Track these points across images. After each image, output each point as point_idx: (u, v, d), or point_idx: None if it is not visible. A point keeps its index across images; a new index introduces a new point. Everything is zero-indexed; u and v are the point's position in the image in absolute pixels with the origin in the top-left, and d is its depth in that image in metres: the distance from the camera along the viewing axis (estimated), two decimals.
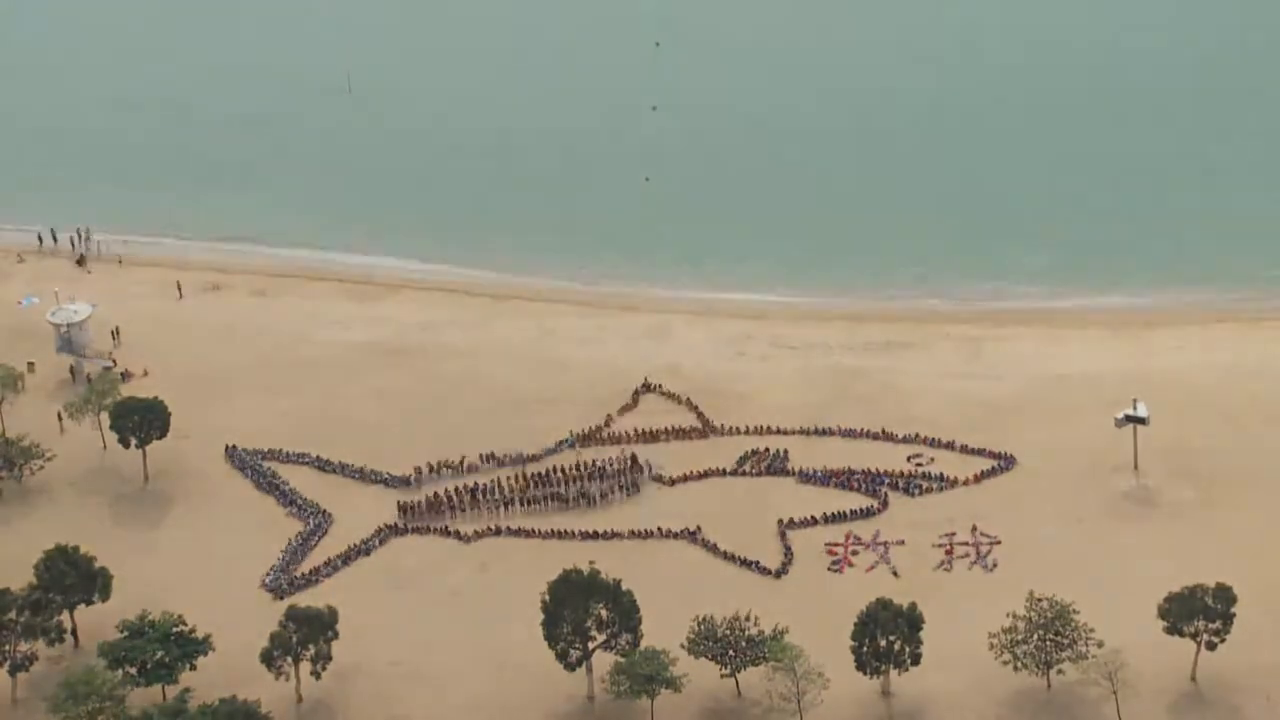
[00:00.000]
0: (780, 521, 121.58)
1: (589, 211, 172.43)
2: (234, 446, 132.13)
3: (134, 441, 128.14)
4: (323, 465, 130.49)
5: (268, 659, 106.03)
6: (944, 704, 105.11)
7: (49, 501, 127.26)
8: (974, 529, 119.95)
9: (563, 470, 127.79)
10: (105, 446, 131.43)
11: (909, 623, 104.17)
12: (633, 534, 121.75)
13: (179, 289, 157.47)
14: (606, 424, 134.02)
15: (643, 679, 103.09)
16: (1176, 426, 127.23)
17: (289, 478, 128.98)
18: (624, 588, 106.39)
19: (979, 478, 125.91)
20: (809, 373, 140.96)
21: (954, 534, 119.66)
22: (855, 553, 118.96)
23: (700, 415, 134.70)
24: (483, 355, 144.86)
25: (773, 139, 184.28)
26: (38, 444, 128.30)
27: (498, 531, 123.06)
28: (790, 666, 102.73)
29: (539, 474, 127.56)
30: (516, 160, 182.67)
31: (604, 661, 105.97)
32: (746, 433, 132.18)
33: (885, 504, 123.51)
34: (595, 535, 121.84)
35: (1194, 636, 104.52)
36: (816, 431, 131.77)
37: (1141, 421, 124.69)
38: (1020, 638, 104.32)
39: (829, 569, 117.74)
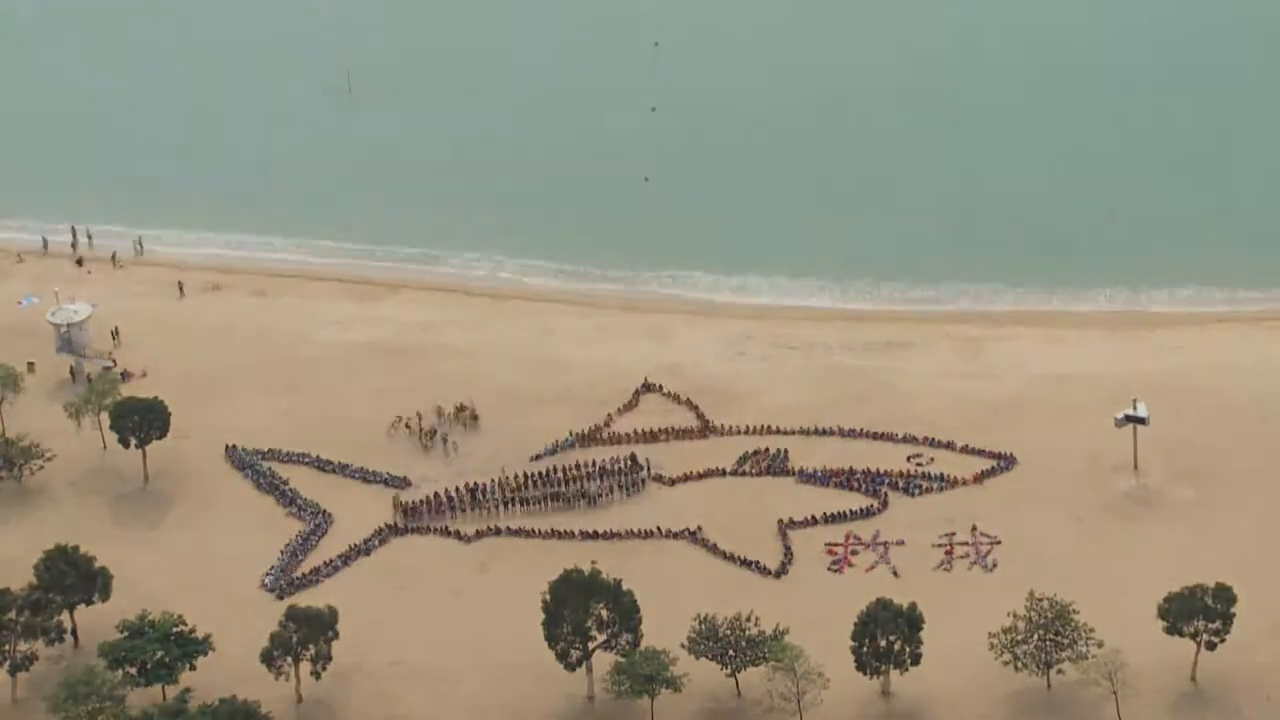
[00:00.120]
0: (780, 521, 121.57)
1: (589, 211, 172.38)
2: (234, 446, 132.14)
3: (134, 441, 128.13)
4: (323, 465, 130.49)
5: (268, 659, 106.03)
6: (944, 704, 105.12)
7: (49, 501, 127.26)
8: (974, 529, 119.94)
9: (563, 470, 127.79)
10: (105, 446, 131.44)
11: (909, 623, 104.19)
12: (633, 534, 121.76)
13: (180, 289, 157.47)
14: (606, 424, 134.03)
15: (643, 679, 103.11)
16: (1176, 426, 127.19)
17: (289, 478, 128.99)
18: (624, 588, 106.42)
19: (979, 478, 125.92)
20: (809, 373, 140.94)
21: (954, 534, 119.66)
22: (855, 553, 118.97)
23: (700, 415, 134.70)
24: (483, 355, 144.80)
25: (773, 139, 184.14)
26: (37, 444, 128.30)
27: (498, 531, 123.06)
28: (790, 666, 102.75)
29: (539, 473, 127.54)
30: (516, 160, 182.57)
31: (604, 661, 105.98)
32: (746, 433, 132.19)
33: (885, 504, 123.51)
34: (595, 535, 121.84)
35: (1194, 636, 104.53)
36: (816, 431, 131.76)
37: (1141, 421, 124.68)
38: (1020, 638, 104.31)
39: (829, 569, 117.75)
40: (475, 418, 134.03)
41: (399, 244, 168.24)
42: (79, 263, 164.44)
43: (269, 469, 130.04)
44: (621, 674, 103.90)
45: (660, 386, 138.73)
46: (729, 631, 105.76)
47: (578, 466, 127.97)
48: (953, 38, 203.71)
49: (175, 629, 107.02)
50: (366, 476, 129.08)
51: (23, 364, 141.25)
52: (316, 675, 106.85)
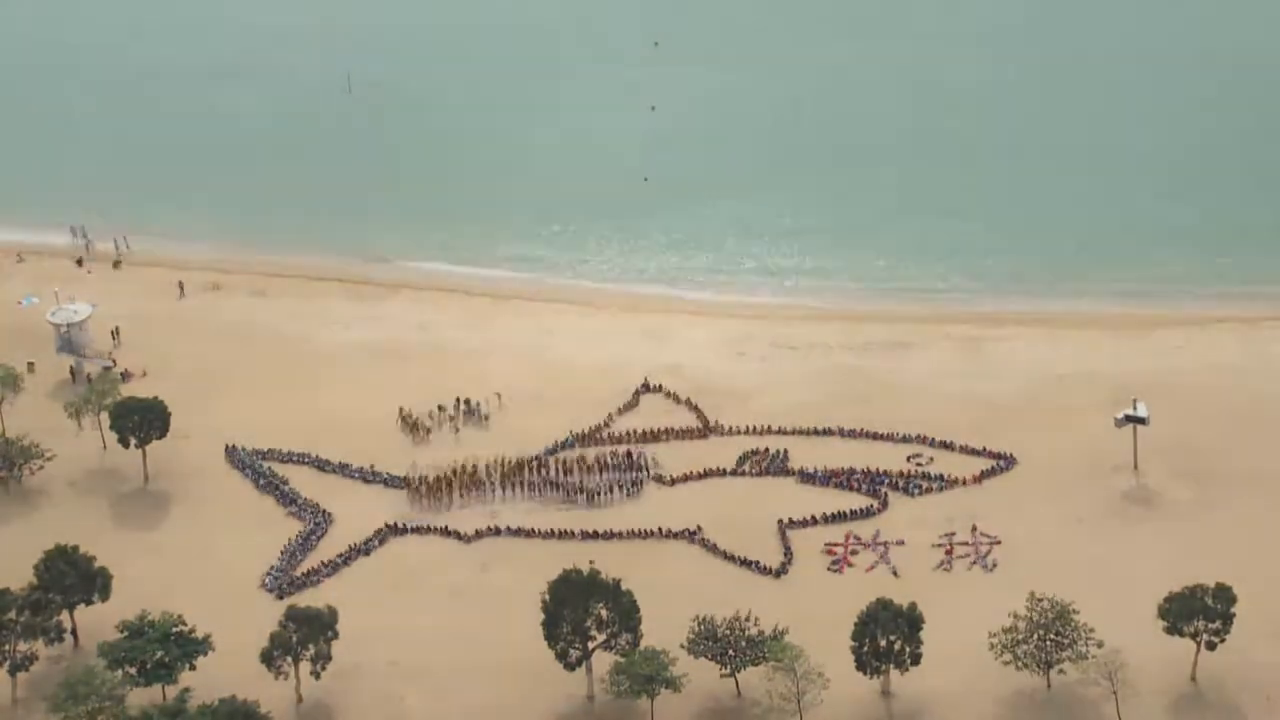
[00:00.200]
0: (780, 521, 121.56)
1: (588, 211, 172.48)
2: (234, 446, 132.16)
3: (134, 441, 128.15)
4: (322, 465, 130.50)
5: (268, 659, 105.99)
6: (944, 704, 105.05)
7: (49, 501, 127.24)
8: (974, 529, 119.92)
9: (563, 461, 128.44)
10: (105, 446, 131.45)
11: (909, 623, 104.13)
12: (633, 534, 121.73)
13: (180, 288, 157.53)
14: (606, 424, 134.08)
15: (643, 679, 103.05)
16: (1176, 426, 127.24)
17: (289, 478, 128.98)
18: (624, 588, 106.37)
19: (979, 478, 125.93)
20: (809, 373, 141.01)
21: (954, 534, 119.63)
22: (855, 553, 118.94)
23: (700, 415, 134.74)
24: (483, 355, 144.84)
25: (773, 139, 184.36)
26: (37, 444, 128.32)
27: (498, 531, 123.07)
28: (790, 666, 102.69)
29: (537, 458, 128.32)
30: (516, 160, 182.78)
31: (604, 661, 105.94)
32: (746, 433, 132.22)
33: (885, 504, 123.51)
34: (595, 535, 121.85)
35: (1194, 636, 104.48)
36: (816, 431, 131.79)
37: (1141, 421, 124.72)
38: (1020, 638, 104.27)
39: (829, 569, 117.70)
40: (486, 417, 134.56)
41: (399, 244, 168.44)
42: (79, 262, 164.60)
43: (269, 469, 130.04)
44: (621, 674, 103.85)
45: (660, 387, 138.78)
46: (729, 631, 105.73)
47: (580, 460, 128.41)
48: (954, 37, 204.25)
49: (175, 629, 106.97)
50: (366, 476, 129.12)
51: (23, 364, 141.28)
52: (316, 675, 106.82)
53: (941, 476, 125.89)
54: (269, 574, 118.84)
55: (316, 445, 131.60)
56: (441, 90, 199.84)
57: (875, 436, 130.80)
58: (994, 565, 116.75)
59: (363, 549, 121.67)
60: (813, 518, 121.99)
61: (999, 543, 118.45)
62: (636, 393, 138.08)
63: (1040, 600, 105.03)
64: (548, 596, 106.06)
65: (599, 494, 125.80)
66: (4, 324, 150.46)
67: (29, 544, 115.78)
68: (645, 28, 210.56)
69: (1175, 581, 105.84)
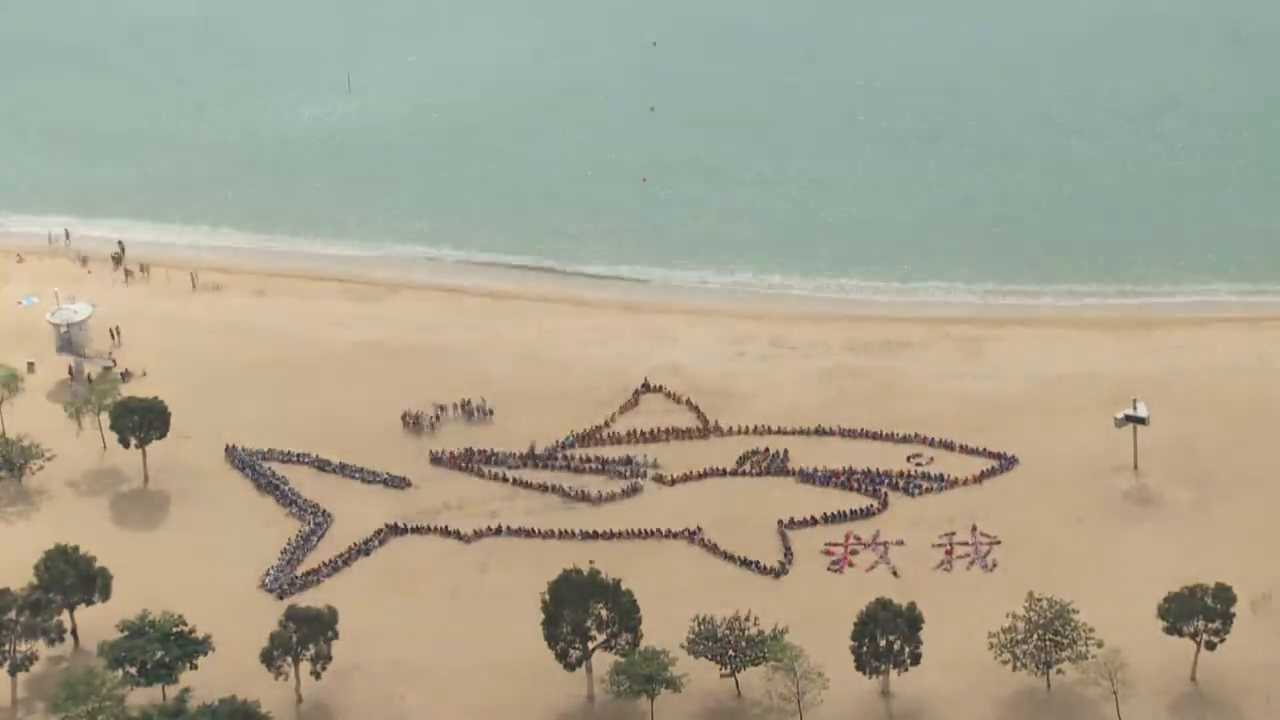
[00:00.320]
0: (780, 521, 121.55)
1: (589, 211, 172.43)
2: (234, 446, 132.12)
3: (134, 441, 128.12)
4: (323, 465, 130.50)
5: (268, 659, 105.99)
6: (944, 704, 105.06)
7: (49, 501, 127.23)
8: (974, 529, 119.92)
9: (566, 457, 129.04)
10: (105, 446, 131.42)
11: (909, 623, 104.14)
12: (633, 534, 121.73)
13: (193, 280, 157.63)
14: (606, 424, 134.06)
15: (643, 679, 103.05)
16: (1176, 426, 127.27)
17: (289, 478, 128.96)
18: (624, 588, 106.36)
19: (979, 477, 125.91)
20: (809, 373, 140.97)
21: (954, 534, 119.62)
22: (855, 553, 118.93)
23: (700, 415, 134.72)
24: (483, 355, 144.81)
25: (772, 139, 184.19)
26: (37, 444, 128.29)
27: (498, 531, 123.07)
28: (790, 666, 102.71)
29: (545, 450, 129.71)
30: (516, 160, 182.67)
31: (604, 661, 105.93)
32: (746, 433, 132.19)
33: (885, 504, 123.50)
34: (595, 535, 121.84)
35: (1194, 636, 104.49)
36: (816, 431, 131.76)
37: (1141, 421, 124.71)
38: (1020, 638, 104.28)
39: (829, 569, 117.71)
40: (491, 412, 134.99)
41: (399, 244, 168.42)
42: (82, 262, 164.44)
43: (269, 469, 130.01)
44: (621, 674, 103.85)
45: (660, 386, 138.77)
46: (728, 631, 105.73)
47: (583, 458, 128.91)
48: (954, 37, 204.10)
49: (175, 629, 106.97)
50: (366, 476, 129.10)
51: (23, 364, 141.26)
52: (316, 675, 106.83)
53: (941, 476, 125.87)
54: (269, 574, 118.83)
55: (316, 445, 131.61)
56: (440, 90, 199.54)
57: (875, 436, 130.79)
58: (994, 565, 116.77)
59: (363, 549, 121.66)
60: (813, 518, 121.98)
61: (999, 543, 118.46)
62: (636, 393, 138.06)
63: (1039, 600, 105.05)
64: (548, 596, 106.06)
65: (598, 494, 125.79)
66: (4, 324, 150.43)
67: (29, 544, 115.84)
68: (644, 28, 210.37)
69: (1175, 581, 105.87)
